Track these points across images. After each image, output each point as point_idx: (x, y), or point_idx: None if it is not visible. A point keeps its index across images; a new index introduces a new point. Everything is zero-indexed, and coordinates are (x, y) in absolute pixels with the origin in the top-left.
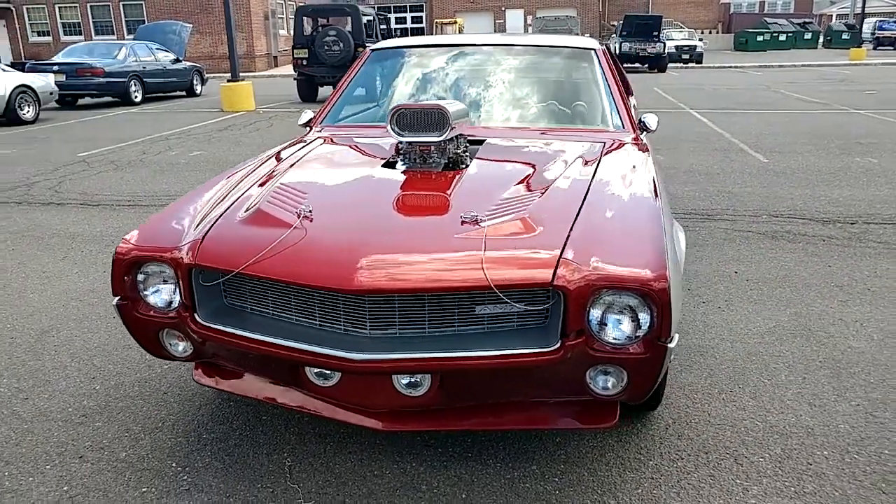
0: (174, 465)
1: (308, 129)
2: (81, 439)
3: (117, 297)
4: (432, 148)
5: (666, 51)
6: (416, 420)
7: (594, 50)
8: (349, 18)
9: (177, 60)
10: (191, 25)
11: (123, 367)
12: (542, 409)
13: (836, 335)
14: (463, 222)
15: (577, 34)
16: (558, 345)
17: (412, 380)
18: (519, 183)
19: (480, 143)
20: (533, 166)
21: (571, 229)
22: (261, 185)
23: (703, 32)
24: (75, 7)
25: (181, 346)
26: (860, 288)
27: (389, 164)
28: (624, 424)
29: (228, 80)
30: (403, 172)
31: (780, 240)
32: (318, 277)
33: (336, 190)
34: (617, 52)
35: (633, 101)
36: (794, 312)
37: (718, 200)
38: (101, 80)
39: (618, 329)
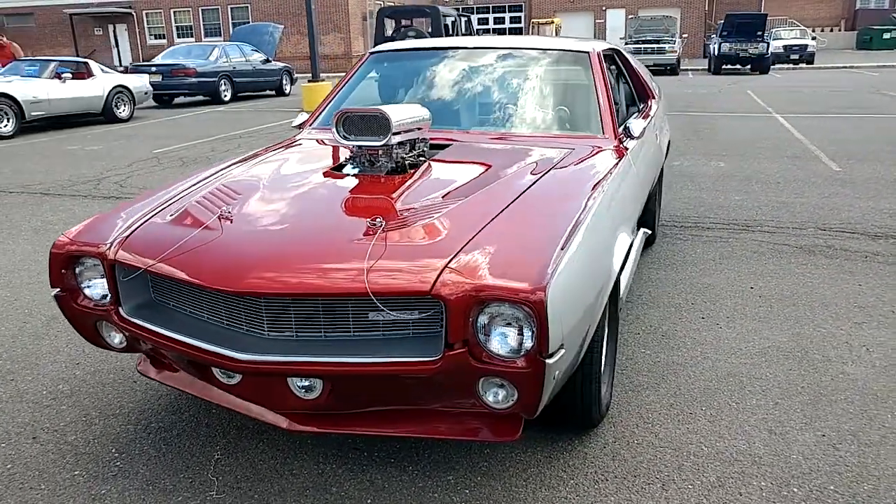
0: (113, 450)
1: (300, 130)
2: (41, 421)
3: (56, 289)
4: (380, 152)
5: (770, 51)
6: (318, 421)
7: (588, 53)
8: (429, 20)
9: (267, 61)
10: (282, 26)
11: (107, 355)
12: (443, 418)
13: (833, 359)
14: (368, 229)
15: (674, 35)
16: (439, 355)
17: (306, 383)
18: (452, 189)
19: (445, 147)
20: (479, 173)
21: (472, 239)
22: (206, 185)
23: (822, 30)
24: (188, 11)
25: (117, 339)
26: (884, 311)
27: (339, 168)
28: (564, 440)
29: (309, 81)
30: (351, 176)
31: (817, 255)
32: (210, 278)
33: (269, 192)
34: (715, 53)
35: (655, 105)
36: (796, 333)
37: (766, 211)
38: (193, 79)
39: (503, 342)
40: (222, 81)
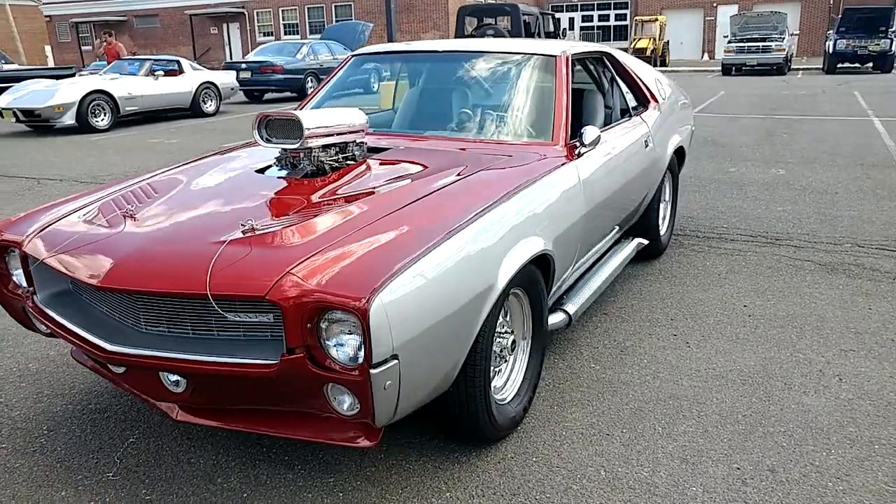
0: (44, 427)
1: None
2: None
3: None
4: (301, 154)
5: (894, 47)
6: (204, 415)
7: (555, 57)
8: (509, 18)
9: None
10: (371, 25)
11: None
12: (308, 420)
13: (794, 388)
14: (243, 230)
15: (783, 32)
16: (277, 360)
17: (173, 378)
18: (352, 193)
19: (383, 150)
20: (391, 178)
21: (331, 244)
22: (138, 182)
23: None
24: (295, 10)
25: (42, 325)
26: (882, 339)
27: (264, 170)
28: (462, 451)
29: (388, 79)
30: (273, 178)
31: (838, 273)
32: (83, 273)
33: (180, 193)
34: (830, 50)
35: (655, 110)
36: (769, 357)
37: (804, 224)
38: (280, 76)
39: (341, 350)
40: (308, 79)
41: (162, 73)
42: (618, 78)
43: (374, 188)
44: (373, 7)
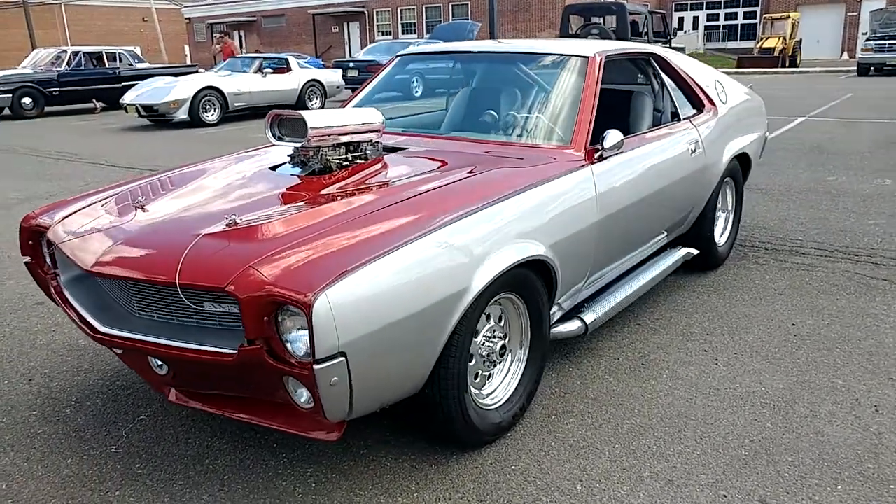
0: (73, 400)
1: None
2: (45, 367)
3: (26, 258)
4: (311, 153)
5: None
6: (194, 398)
7: (587, 59)
8: (615, 17)
9: None
10: (479, 24)
11: None
12: (281, 410)
13: (821, 416)
14: (226, 224)
15: None
16: (235, 350)
17: (158, 361)
18: (345, 192)
19: (398, 150)
20: (391, 178)
21: (299, 241)
22: (161, 175)
23: None
24: (413, 9)
25: None
26: None
27: (278, 167)
28: (442, 454)
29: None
30: (282, 175)
31: None
32: (82, 258)
33: (193, 186)
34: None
35: (709, 114)
36: (802, 381)
37: (891, 240)
38: None
39: (296, 345)
40: (414, 78)
41: (270, 70)
42: (668, 80)
43: (370, 187)
44: (486, 5)
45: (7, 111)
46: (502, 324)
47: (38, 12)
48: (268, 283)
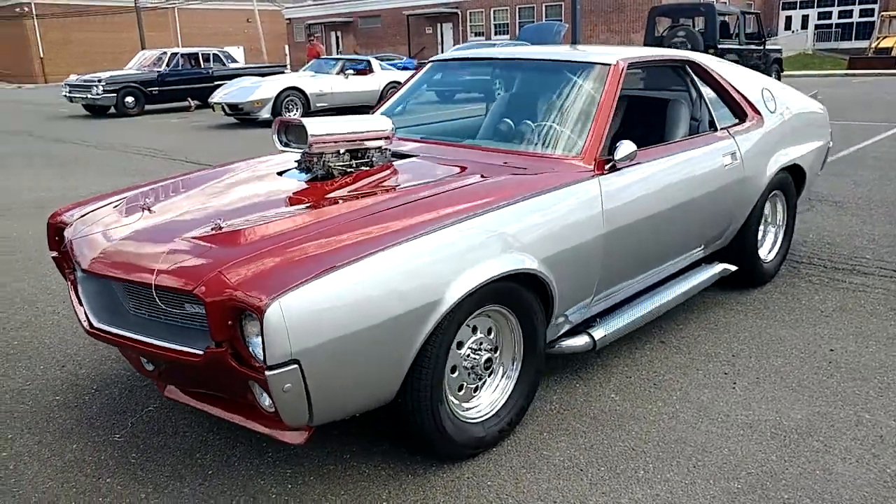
0: (94, 388)
1: None
2: (78, 354)
3: (53, 252)
4: (314, 159)
5: None
6: (186, 394)
7: (608, 67)
8: (703, 18)
9: None
10: (567, 25)
11: None
12: (255, 409)
13: (834, 451)
14: (211, 228)
15: None
16: (202, 351)
17: (144, 357)
18: (331, 198)
19: (407, 157)
20: (386, 187)
21: (272, 247)
22: (176, 178)
23: None
24: (506, 10)
25: None
26: None
27: (283, 173)
28: (424, 464)
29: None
30: (286, 180)
31: None
32: (80, 257)
33: (200, 189)
34: None
35: (753, 123)
36: (824, 412)
37: None
38: None
39: (256, 349)
40: (496, 80)
41: (352, 72)
42: (706, 88)
43: (364, 194)
44: (583, 6)
45: (112, 109)
46: (492, 336)
47: (152, 16)
48: (230, 287)
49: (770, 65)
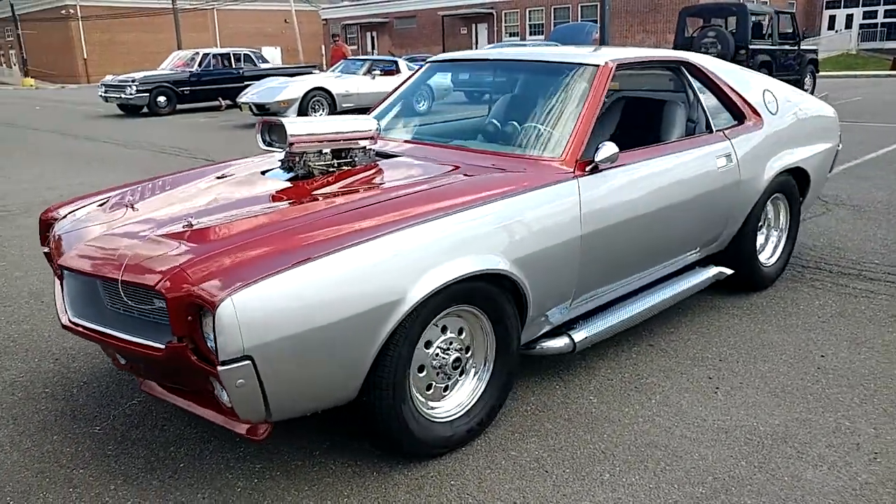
0: (83, 381)
1: None
2: (66, 346)
3: (45, 248)
4: (296, 158)
5: None
6: (165, 391)
7: (596, 68)
8: (735, 18)
9: None
10: (597, 26)
11: None
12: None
13: (807, 458)
14: (182, 226)
15: None
16: (164, 345)
17: (116, 352)
18: (304, 197)
19: (392, 157)
20: (360, 186)
21: (236, 245)
22: (168, 175)
23: None
24: (541, 10)
25: None
26: None
27: (266, 172)
28: (388, 463)
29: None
30: (268, 180)
31: None
32: (56, 252)
33: (183, 187)
34: None
35: (750, 128)
36: (803, 419)
37: None
38: None
39: (213, 344)
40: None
41: (379, 72)
42: (702, 89)
43: (339, 193)
44: (618, 6)
45: (145, 109)
46: (462, 337)
47: (191, 17)
48: (190, 283)
49: (805, 65)
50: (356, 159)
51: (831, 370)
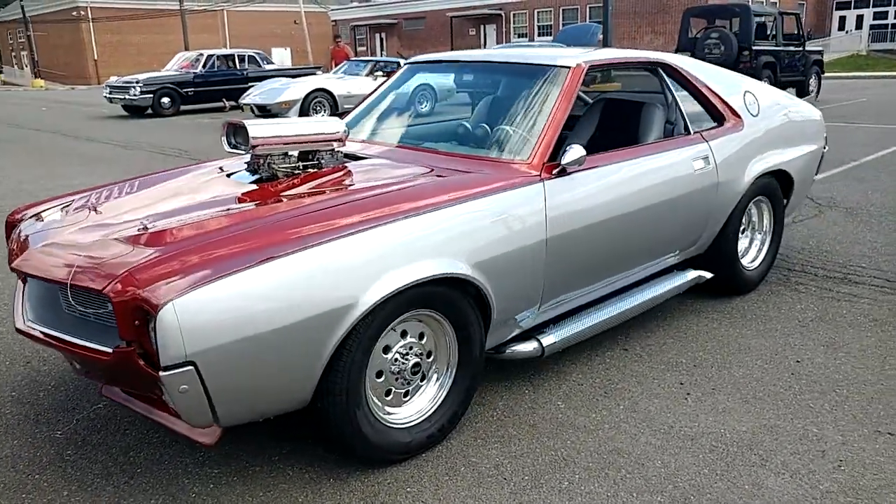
0: (51, 385)
1: None
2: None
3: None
4: (260, 161)
5: None
6: (125, 396)
7: (567, 69)
8: (738, 20)
9: None
10: (601, 27)
11: None
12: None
13: (770, 465)
14: (137, 229)
15: None
16: (111, 349)
17: (69, 356)
18: (261, 200)
19: (359, 159)
20: (323, 189)
21: (184, 249)
22: (136, 178)
23: None
24: (550, 11)
25: None
26: None
27: (232, 174)
28: (344, 469)
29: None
30: (232, 182)
31: None
32: (14, 255)
33: (147, 190)
34: None
35: (729, 130)
36: (770, 425)
37: None
38: None
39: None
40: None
41: (381, 73)
42: (679, 91)
43: (299, 196)
44: (626, 8)
45: (149, 110)
46: (423, 342)
47: (201, 18)
48: (136, 286)
49: (809, 66)
50: (323, 161)
51: (805, 375)
